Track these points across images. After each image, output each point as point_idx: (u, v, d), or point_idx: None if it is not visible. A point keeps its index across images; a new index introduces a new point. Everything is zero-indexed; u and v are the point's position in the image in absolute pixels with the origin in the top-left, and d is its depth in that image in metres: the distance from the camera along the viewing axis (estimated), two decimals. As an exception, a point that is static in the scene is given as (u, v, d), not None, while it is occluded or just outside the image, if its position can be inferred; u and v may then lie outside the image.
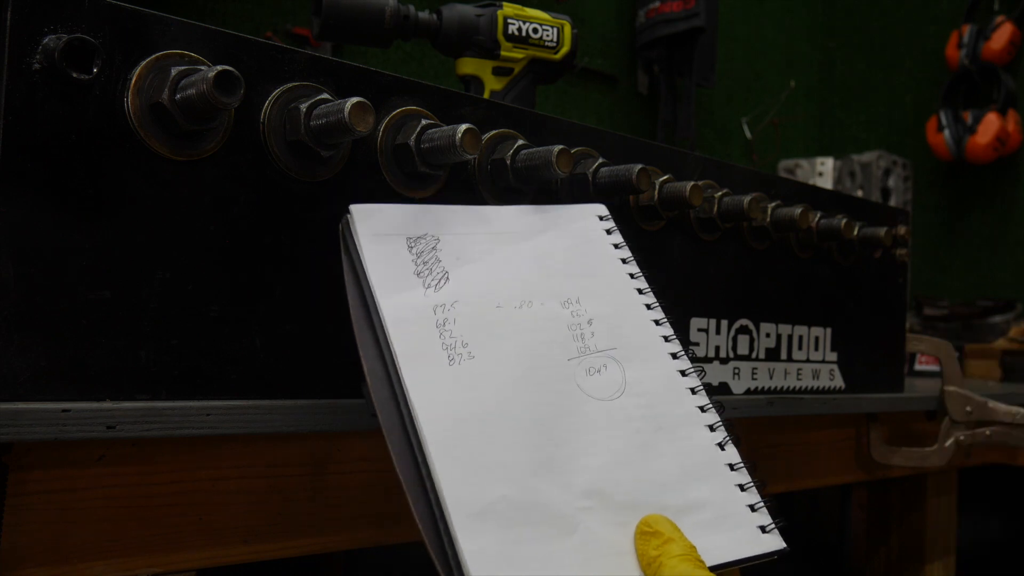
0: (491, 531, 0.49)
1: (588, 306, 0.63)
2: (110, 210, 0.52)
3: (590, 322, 0.62)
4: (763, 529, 0.57)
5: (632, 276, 0.67)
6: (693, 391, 0.62)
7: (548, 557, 0.50)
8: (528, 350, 0.59)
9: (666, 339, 0.64)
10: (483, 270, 0.62)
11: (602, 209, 0.71)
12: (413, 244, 0.61)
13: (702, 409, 0.61)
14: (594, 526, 0.53)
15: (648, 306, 0.66)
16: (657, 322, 0.65)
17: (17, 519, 0.50)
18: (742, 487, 0.59)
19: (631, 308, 0.65)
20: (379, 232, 0.60)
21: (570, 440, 0.56)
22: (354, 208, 0.60)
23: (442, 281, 0.60)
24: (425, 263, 0.60)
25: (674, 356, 0.63)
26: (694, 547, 0.52)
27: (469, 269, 0.61)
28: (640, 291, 0.66)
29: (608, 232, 0.69)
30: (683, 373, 0.63)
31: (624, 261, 0.68)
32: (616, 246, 0.69)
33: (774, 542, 0.57)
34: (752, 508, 0.58)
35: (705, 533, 0.55)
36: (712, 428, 0.61)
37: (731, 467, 0.59)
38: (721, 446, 0.60)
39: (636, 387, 0.60)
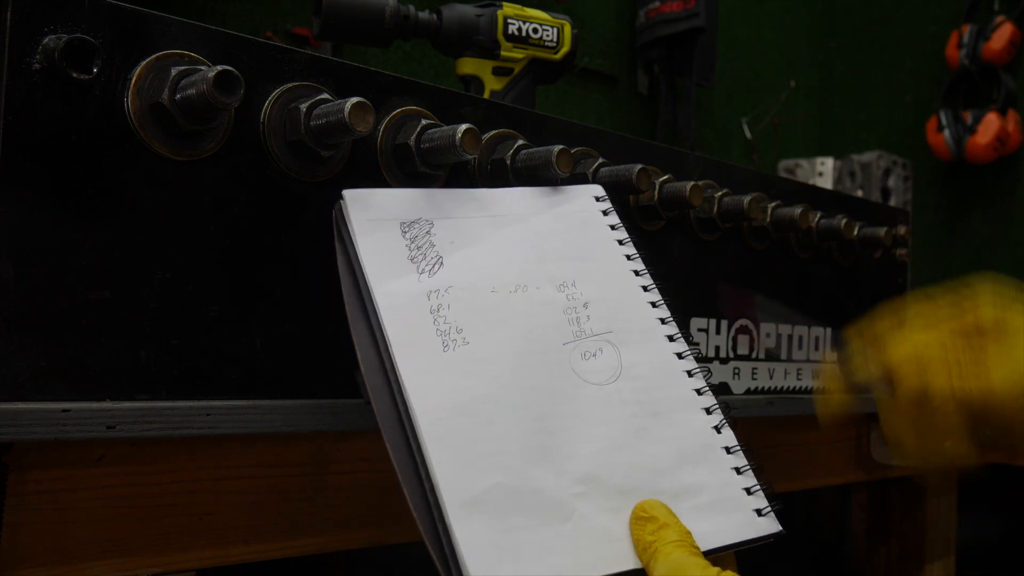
0: (485, 519, 0.49)
1: (584, 289, 0.63)
2: (110, 210, 0.52)
3: (586, 305, 0.62)
4: (759, 512, 0.57)
5: (628, 258, 0.67)
6: (690, 373, 0.62)
7: (543, 544, 0.50)
8: (523, 335, 0.58)
9: (663, 321, 0.64)
10: (478, 254, 0.61)
11: (599, 190, 0.70)
12: (407, 229, 0.60)
13: (698, 392, 0.61)
14: (588, 512, 0.52)
15: (645, 288, 0.65)
16: (654, 304, 0.64)
17: (17, 519, 0.50)
18: (738, 470, 0.58)
19: (627, 290, 0.65)
20: (372, 217, 0.60)
21: (565, 426, 0.55)
22: (347, 193, 0.60)
23: (436, 266, 0.59)
24: (419, 248, 0.60)
25: (671, 338, 0.63)
26: (689, 532, 0.52)
27: (463, 254, 0.61)
28: (636, 273, 0.66)
29: (605, 213, 0.69)
30: (679, 356, 0.62)
31: (620, 243, 0.67)
32: (613, 227, 0.68)
33: (770, 525, 0.57)
34: (748, 491, 0.58)
35: (701, 517, 0.54)
36: (708, 411, 0.60)
37: (727, 450, 0.59)
38: (717, 429, 0.60)
39: (632, 371, 0.60)
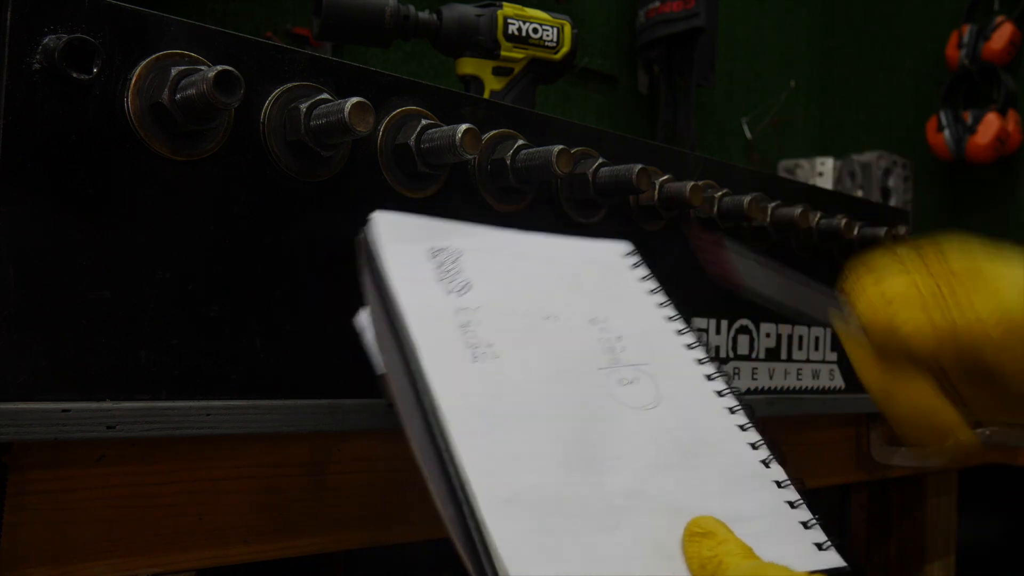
0: (522, 518, 0.46)
1: (617, 324, 0.60)
2: (110, 210, 0.52)
3: (620, 338, 0.59)
4: (819, 546, 0.53)
5: (660, 305, 0.64)
6: (731, 410, 0.59)
7: (588, 550, 0.47)
8: (556, 356, 0.56)
9: (700, 361, 0.61)
10: (507, 284, 0.60)
11: (628, 246, 0.69)
12: (435, 254, 0.59)
13: (742, 428, 0.58)
14: (636, 525, 0.49)
15: (679, 331, 0.63)
16: (689, 346, 0.62)
17: (17, 519, 0.50)
18: (792, 504, 0.54)
19: (661, 331, 0.62)
20: (401, 239, 0.58)
21: (604, 442, 0.52)
22: (376, 215, 0.58)
23: (465, 289, 0.57)
24: (447, 272, 0.58)
25: (709, 377, 0.60)
26: (751, 549, 0.47)
27: (492, 282, 0.59)
28: (670, 318, 0.64)
29: (634, 266, 0.67)
30: (719, 393, 0.59)
31: (652, 291, 0.65)
32: (643, 278, 0.66)
33: (833, 559, 0.52)
34: (805, 525, 0.53)
35: (758, 544, 0.48)
36: (754, 446, 0.57)
37: (778, 484, 0.55)
38: (766, 463, 0.56)
39: (672, 401, 0.57)
